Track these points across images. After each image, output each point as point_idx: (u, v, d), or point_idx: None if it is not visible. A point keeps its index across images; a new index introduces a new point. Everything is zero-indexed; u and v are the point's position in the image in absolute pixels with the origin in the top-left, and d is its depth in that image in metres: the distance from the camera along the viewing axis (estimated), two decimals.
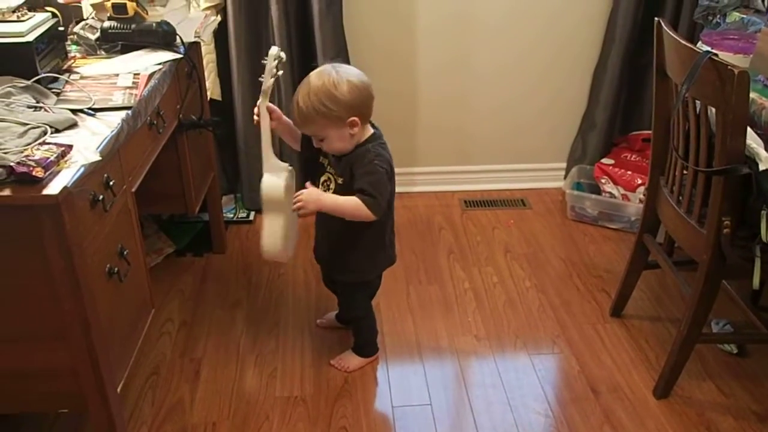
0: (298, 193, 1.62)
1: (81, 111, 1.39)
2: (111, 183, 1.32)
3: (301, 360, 1.94)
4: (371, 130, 1.66)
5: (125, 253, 1.39)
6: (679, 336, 1.72)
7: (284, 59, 1.62)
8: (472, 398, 1.81)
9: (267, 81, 1.60)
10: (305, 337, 2.02)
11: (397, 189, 2.80)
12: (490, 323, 2.09)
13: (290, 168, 1.70)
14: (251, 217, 2.66)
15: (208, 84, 2.40)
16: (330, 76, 1.55)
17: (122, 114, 1.40)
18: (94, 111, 1.40)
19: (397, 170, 2.83)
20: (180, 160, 1.96)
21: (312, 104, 1.53)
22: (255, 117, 1.65)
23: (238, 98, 2.51)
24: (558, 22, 2.65)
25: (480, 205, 2.80)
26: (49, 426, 1.70)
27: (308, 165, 1.80)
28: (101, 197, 1.27)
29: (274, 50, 1.59)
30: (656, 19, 1.73)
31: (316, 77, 1.56)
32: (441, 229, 2.62)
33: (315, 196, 1.63)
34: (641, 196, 2.57)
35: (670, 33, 1.62)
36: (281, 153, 2.55)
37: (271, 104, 1.66)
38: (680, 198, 1.73)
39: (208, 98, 2.40)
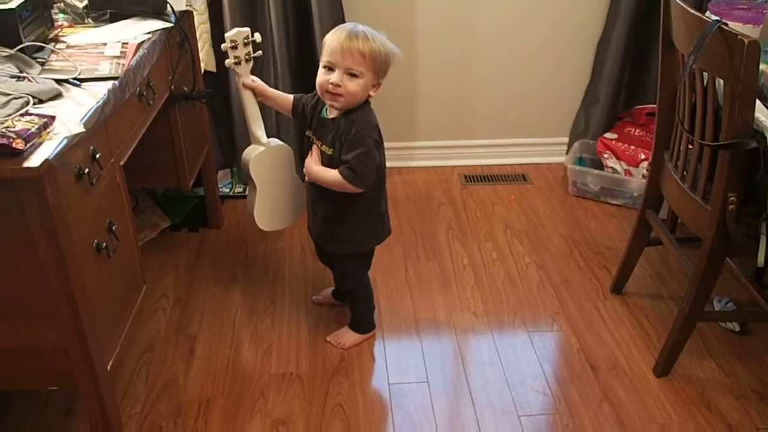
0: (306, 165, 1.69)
1: (66, 81, 1.34)
2: (97, 156, 1.28)
3: (297, 336, 1.91)
4: None
5: (114, 228, 1.35)
6: (680, 313, 1.69)
7: (259, 41, 1.70)
8: (470, 375, 1.79)
9: (230, 66, 1.69)
10: (301, 314, 2.00)
11: (396, 163, 2.80)
12: (489, 300, 2.07)
13: (277, 144, 1.76)
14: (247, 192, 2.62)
15: (201, 55, 2.33)
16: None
17: (109, 84, 1.35)
18: (79, 81, 1.35)
19: (395, 144, 2.84)
20: (172, 133, 1.92)
21: (383, 49, 1.56)
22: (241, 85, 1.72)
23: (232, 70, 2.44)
24: None
25: (480, 181, 2.75)
26: (43, 402, 1.68)
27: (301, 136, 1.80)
28: (87, 170, 1.23)
29: (231, 33, 1.67)
30: None
31: (381, 36, 1.58)
32: (440, 205, 2.58)
33: (308, 165, 1.67)
34: (644, 172, 2.52)
35: (678, 1, 1.56)
36: (278, 128, 2.51)
37: (253, 80, 1.72)
38: (685, 173, 1.69)
39: (202, 70, 2.34)
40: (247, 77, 1.71)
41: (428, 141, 2.84)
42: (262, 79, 2.51)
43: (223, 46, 1.66)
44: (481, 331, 1.94)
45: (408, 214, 2.51)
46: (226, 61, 1.67)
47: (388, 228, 1.79)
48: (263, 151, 1.75)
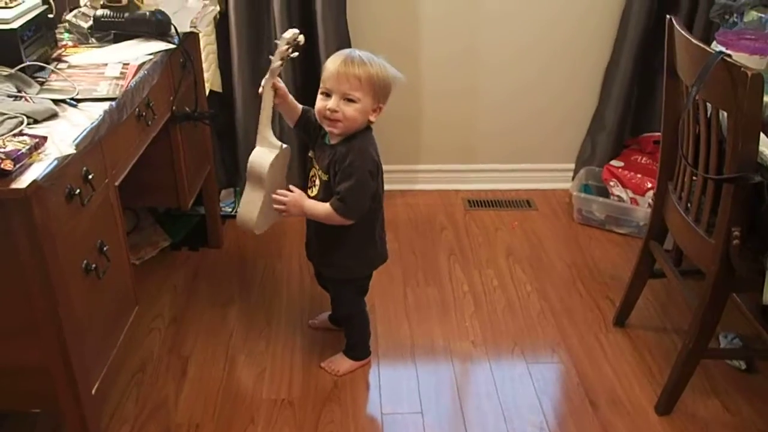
0: (285, 193, 1.63)
1: (63, 101, 1.34)
2: (90, 176, 1.27)
3: (290, 361, 1.89)
4: None
5: (105, 249, 1.34)
6: (684, 350, 1.65)
7: (302, 43, 1.61)
8: (466, 408, 1.75)
9: (275, 62, 1.59)
10: (296, 338, 1.97)
11: (399, 186, 2.78)
12: (488, 328, 2.03)
13: (285, 147, 1.69)
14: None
15: (208, 75, 2.35)
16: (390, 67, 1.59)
17: (105, 105, 1.35)
18: (76, 101, 1.35)
19: (399, 167, 2.83)
20: (173, 152, 1.91)
21: (377, 72, 1.54)
22: (260, 90, 1.64)
23: (239, 90, 2.46)
24: (568, 16, 2.57)
25: (484, 205, 2.73)
26: (32, 421, 1.66)
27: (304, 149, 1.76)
28: (78, 191, 1.22)
29: (288, 33, 1.59)
30: (668, 16, 1.66)
31: (378, 59, 1.57)
32: (443, 229, 2.56)
33: (299, 202, 1.63)
34: (650, 201, 2.48)
35: (682, 31, 1.55)
36: (281, 131, 2.49)
37: (279, 81, 1.64)
38: (688, 205, 1.66)
39: (208, 90, 2.35)
40: (277, 78, 1.64)
41: (432, 164, 2.82)
42: None
43: (281, 47, 1.59)
44: (479, 361, 1.90)
45: (409, 238, 2.49)
46: (275, 64, 1.59)
47: (384, 255, 1.77)
48: (278, 155, 1.67)
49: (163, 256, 2.34)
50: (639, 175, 2.54)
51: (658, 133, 2.70)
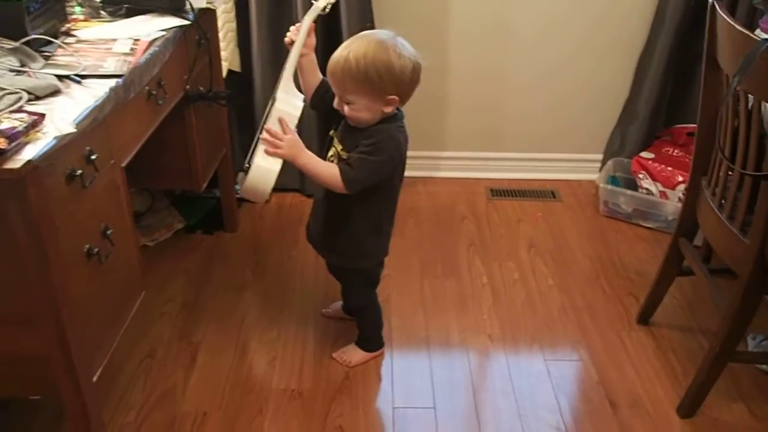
0: (279, 132, 1.46)
1: (67, 77, 1.29)
2: (93, 157, 1.22)
3: (302, 351, 1.84)
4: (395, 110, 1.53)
5: (109, 232, 1.30)
6: (710, 352, 1.56)
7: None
8: (480, 405, 1.69)
9: (313, 15, 1.49)
10: (309, 327, 1.93)
11: (421, 173, 2.71)
12: (506, 322, 1.96)
13: (302, 96, 1.54)
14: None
15: (226, 54, 2.29)
16: (395, 47, 1.44)
17: (111, 82, 1.30)
18: (81, 78, 1.30)
19: (421, 153, 2.75)
20: (186, 134, 1.86)
21: (365, 67, 1.41)
22: (290, 34, 1.52)
23: (258, 70, 2.40)
24: (602, 1, 2.45)
25: (507, 195, 2.65)
26: (37, 405, 1.64)
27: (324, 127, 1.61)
28: (80, 172, 1.18)
29: None
30: (710, 1, 1.55)
31: (378, 43, 1.43)
32: (464, 219, 2.48)
33: (297, 146, 1.47)
34: (681, 195, 2.38)
35: (725, 17, 1.44)
36: None
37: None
38: (722, 202, 1.56)
39: (226, 69, 2.30)
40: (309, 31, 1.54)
41: (456, 151, 2.75)
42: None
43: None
44: (496, 357, 1.84)
45: (429, 227, 2.42)
46: (319, 3, 1.49)
47: (385, 249, 1.69)
48: (303, 108, 1.52)
49: (177, 239, 2.31)
50: (670, 168, 2.43)
51: (693, 125, 2.58)
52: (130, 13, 1.67)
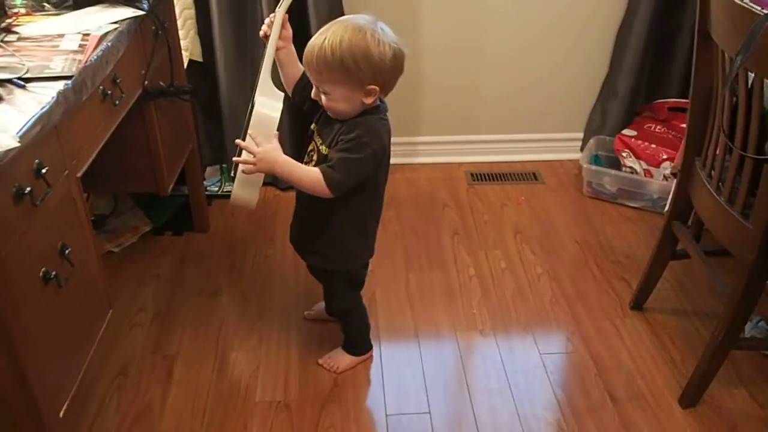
0: (250, 146, 1.36)
1: (8, 81, 1.16)
2: (44, 171, 1.09)
3: (286, 358, 1.74)
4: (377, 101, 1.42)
5: (67, 252, 1.17)
6: (712, 342, 1.51)
7: None
8: (476, 406, 1.61)
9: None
10: (292, 331, 1.82)
11: (399, 160, 2.60)
12: (497, 316, 1.89)
13: (283, 95, 1.45)
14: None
15: (186, 43, 2.14)
16: (375, 33, 1.32)
17: (60, 85, 1.16)
18: (24, 81, 1.16)
19: (398, 140, 2.61)
20: (148, 133, 1.73)
21: (341, 54, 1.29)
22: (264, 27, 1.41)
23: (221, 58, 2.26)
24: None
25: (488, 179, 2.56)
26: None
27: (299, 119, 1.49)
28: (29, 189, 1.05)
29: None
30: None
31: (356, 28, 1.31)
32: (445, 207, 2.39)
33: (272, 156, 1.36)
34: (666, 173, 2.33)
35: None
36: None
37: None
38: (720, 185, 1.49)
39: (187, 60, 2.15)
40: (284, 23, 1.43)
41: (433, 136, 2.65)
42: (254, 75, 2.33)
43: None
44: (489, 354, 1.76)
45: (410, 217, 2.32)
46: None
47: (371, 250, 1.60)
48: (282, 108, 1.43)
49: (145, 243, 2.17)
50: (653, 145, 2.37)
51: (674, 99, 2.54)
52: (77, 5, 1.53)
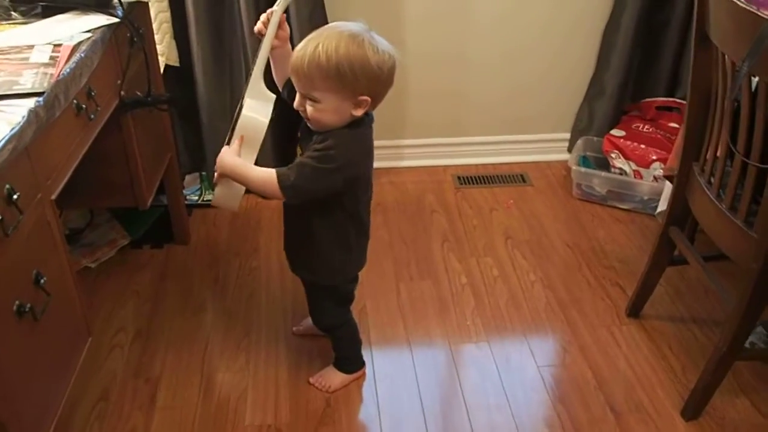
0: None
1: None
2: (15, 197, 1.01)
3: (275, 378, 1.67)
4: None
5: (42, 281, 1.09)
6: (715, 354, 1.47)
7: None
8: (475, 423, 1.56)
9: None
10: (280, 349, 1.75)
11: (384, 164, 2.53)
12: (492, 327, 1.84)
13: (274, 97, 1.39)
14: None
15: (162, 48, 2.05)
16: (372, 41, 1.26)
17: (30, 102, 1.08)
18: None
19: (383, 143, 2.57)
20: (126, 145, 1.64)
21: (338, 61, 1.22)
22: (260, 25, 1.34)
23: (198, 63, 2.17)
24: None
25: (475, 182, 2.51)
26: None
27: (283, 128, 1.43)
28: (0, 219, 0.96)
29: None
30: None
31: (351, 36, 1.25)
32: (433, 212, 2.34)
33: (220, 158, 1.34)
34: (656, 173, 2.30)
35: None
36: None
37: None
38: (721, 191, 1.46)
39: (164, 65, 2.06)
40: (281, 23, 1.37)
41: (418, 139, 2.59)
42: (233, 79, 2.25)
43: None
44: (486, 366, 1.71)
45: (398, 224, 2.26)
46: None
47: (357, 263, 1.54)
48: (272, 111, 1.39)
49: (123, 257, 2.08)
50: (642, 146, 2.34)
51: (662, 98, 2.51)
52: (47, 13, 1.43)
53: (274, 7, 1.32)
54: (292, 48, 1.32)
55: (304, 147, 1.38)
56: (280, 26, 1.34)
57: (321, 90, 1.26)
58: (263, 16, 1.34)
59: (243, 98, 1.35)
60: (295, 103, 1.32)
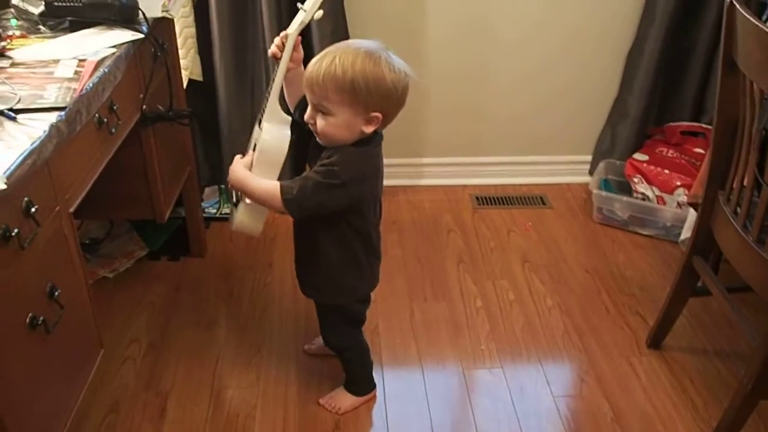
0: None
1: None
2: (33, 210, 1.01)
3: (284, 397, 1.66)
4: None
5: (56, 294, 1.09)
6: (741, 391, 1.43)
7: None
8: None
9: (314, 7, 1.30)
10: (291, 367, 1.74)
11: (401, 182, 2.53)
12: (507, 353, 1.81)
13: (290, 120, 1.40)
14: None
15: (186, 63, 2.07)
16: (389, 59, 1.27)
17: (53, 117, 1.08)
18: (15, 113, 1.08)
19: (401, 161, 2.57)
20: (145, 159, 1.65)
21: (353, 76, 1.23)
22: (274, 48, 1.35)
23: (221, 78, 2.18)
24: None
25: (494, 203, 2.49)
26: None
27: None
28: (16, 231, 0.97)
29: None
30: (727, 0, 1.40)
31: (368, 53, 1.25)
32: (449, 232, 2.32)
33: (237, 170, 1.37)
34: (680, 199, 2.26)
35: (751, 19, 1.29)
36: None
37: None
38: (748, 222, 1.42)
39: (187, 80, 2.08)
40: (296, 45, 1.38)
41: (437, 157, 2.58)
42: (254, 95, 2.27)
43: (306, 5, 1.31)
44: (499, 393, 1.68)
45: (414, 243, 2.25)
46: (306, 16, 1.31)
47: (368, 282, 1.52)
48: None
49: (140, 268, 2.09)
50: (666, 171, 2.30)
51: (686, 123, 2.47)
52: (74, 27, 1.45)
53: (289, 30, 1.32)
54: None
55: (313, 164, 1.38)
56: (294, 49, 1.34)
57: (335, 103, 1.26)
58: (277, 40, 1.34)
59: (260, 121, 1.37)
60: (306, 116, 1.32)
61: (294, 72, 1.38)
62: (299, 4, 1.32)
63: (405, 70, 1.28)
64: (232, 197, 1.49)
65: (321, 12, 1.32)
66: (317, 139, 1.34)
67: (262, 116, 1.38)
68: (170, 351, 1.78)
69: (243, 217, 1.43)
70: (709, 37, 2.28)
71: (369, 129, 1.29)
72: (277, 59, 1.35)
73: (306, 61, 1.33)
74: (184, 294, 2.00)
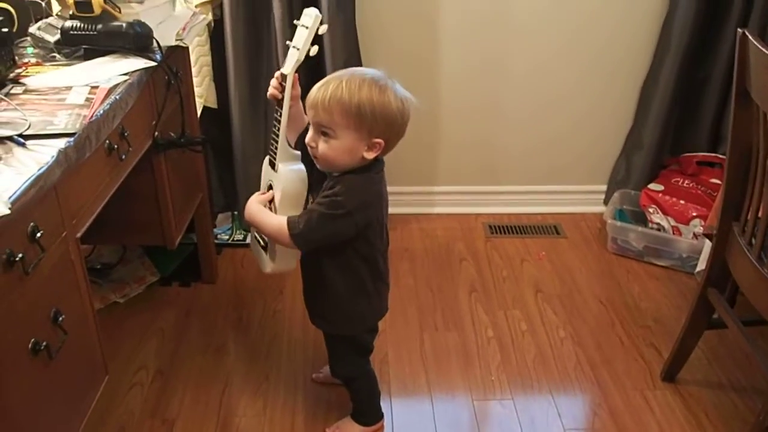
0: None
1: (9, 138, 1.09)
2: (38, 235, 1.02)
3: (291, 426, 1.63)
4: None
5: (60, 319, 1.09)
6: (757, 426, 1.38)
7: (323, 32, 1.32)
8: None
9: (306, 44, 1.31)
10: (298, 396, 1.72)
11: (414, 210, 2.53)
12: (518, 384, 1.77)
13: (300, 154, 1.42)
14: (248, 240, 2.36)
15: (201, 90, 2.10)
16: (393, 87, 1.29)
17: (61, 143, 1.10)
18: (24, 139, 1.10)
19: (414, 189, 2.57)
20: (156, 185, 1.66)
21: (359, 101, 1.24)
22: (272, 90, 1.35)
23: (236, 106, 2.21)
24: (601, 24, 2.30)
25: (507, 232, 2.47)
26: None
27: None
28: (20, 256, 0.97)
29: (312, 12, 1.31)
30: (740, 30, 1.39)
31: (374, 80, 1.27)
32: (462, 260, 2.30)
33: (252, 206, 1.40)
34: (696, 230, 2.22)
35: (764, 50, 1.28)
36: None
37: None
38: (763, 254, 1.39)
39: (201, 106, 2.11)
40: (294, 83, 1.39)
41: (450, 186, 2.57)
42: (267, 123, 2.29)
43: (313, 27, 1.30)
44: (509, 426, 1.64)
45: (426, 271, 2.23)
46: (307, 45, 1.31)
47: (377, 311, 1.50)
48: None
49: (151, 293, 2.09)
50: (682, 201, 2.27)
51: (702, 153, 2.45)
52: (89, 55, 1.48)
53: (284, 69, 1.33)
54: (303, 106, 1.34)
55: (314, 195, 1.38)
56: (292, 86, 1.35)
57: (339, 126, 1.27)
58: (273, 81, 1.35)
59: (272, 162, 1.40)
60: (307, 138, 1.32)
61: (293, 109, 1.39)
62: (288, 42, 1.33)
63: (409, 99, 1.29)
64: (259, 240, 1.50)
65: (316, 48, 1.32)
66: (316, 164, 1.34)
67: (273, 157, 1.39)
68: (178, 378, 1.78)
69: (276, 264, 1.46)
70: (725, 66, 2.27)
71: (370, 155, 1.30)
72: (276, 99, 1.36)
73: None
74: (193, 320, 2.00)
